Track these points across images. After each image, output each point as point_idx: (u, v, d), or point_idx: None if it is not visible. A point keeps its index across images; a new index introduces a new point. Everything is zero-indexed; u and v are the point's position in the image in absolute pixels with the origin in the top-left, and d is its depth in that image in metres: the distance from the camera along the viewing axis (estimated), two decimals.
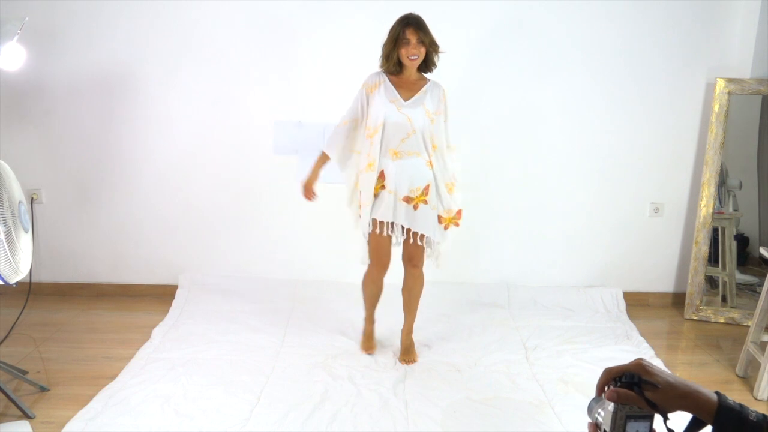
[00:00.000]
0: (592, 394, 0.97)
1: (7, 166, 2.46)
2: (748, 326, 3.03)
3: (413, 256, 2.83)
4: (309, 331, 3.23)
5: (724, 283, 3.68)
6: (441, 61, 2.69)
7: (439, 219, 2.80)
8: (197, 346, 3.02)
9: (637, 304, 3.74)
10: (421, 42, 2.62)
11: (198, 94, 3.52)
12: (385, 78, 2.72)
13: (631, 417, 0.89)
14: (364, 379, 2.76)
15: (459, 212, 2.83)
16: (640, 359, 0.92)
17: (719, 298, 3.68)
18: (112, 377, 2.71)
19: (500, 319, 3.45)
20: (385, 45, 2.68)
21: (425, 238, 2.77)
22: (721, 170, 3.55)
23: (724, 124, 3.48)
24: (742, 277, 3.72)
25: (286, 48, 3.47)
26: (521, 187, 3.65)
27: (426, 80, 2.75)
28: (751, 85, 3.44)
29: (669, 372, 0.91)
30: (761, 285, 2.90)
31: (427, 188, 2.72)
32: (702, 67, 3.54)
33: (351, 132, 2.79)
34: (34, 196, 3.59)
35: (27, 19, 2.65)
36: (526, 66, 3.52)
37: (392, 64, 2.67)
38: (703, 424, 0.93)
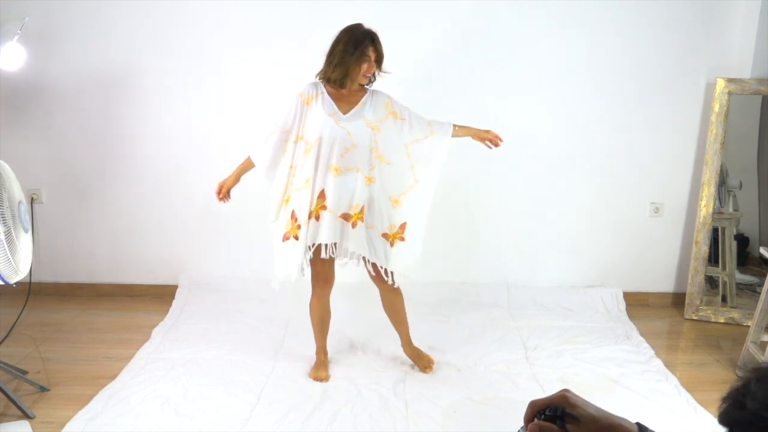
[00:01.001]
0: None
1: (7, 166, 2.46)
2: (748, 326, 3.03)
3: (377, 272, 2.63)
4: (309, 331, 3.21)
5: (724, 283, 3.68)
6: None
7: (386, 236, 2.61)
8: (197, 346, 3.02)
9: (637, 304, 3.74)
10: (378, 60, 2.53)
11: (198, 94, 3.52)
12: (323, 89, 2.57)
13: None
14: (364, 379, 2.76)
15: (402, 226, 2.62)
16: (565, 390, 0.92)
17: (719, 298, 3.68)
18: (112, 377, 2.71)
19: (500, 319, 3.45)
20: (343, 60, 2.49)
21: (363, 258, 2.59)
22: (721, 170, 3.55)
23: (724, 124, 3.48)
24: (742, 277, 3.72)
25: (286, 48, 3.47)
26: (521, 187, 3.65)
27: (365, 90, 2.61)
28: (751, 85, 3.44)
29: (593, 404, 0.91)
30: (761, 285, 2.90)
31: (363, 207, 2.56)
32: (702, 67, 3.54)
33: (281, 143, 2.60)
34: (34, 196, 3.59)
35: (27, 19, 2.66)
36: (526, 66, 3.51)
37: (346, 78, 2.51)
38: None
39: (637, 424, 0.89)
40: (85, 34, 3.43)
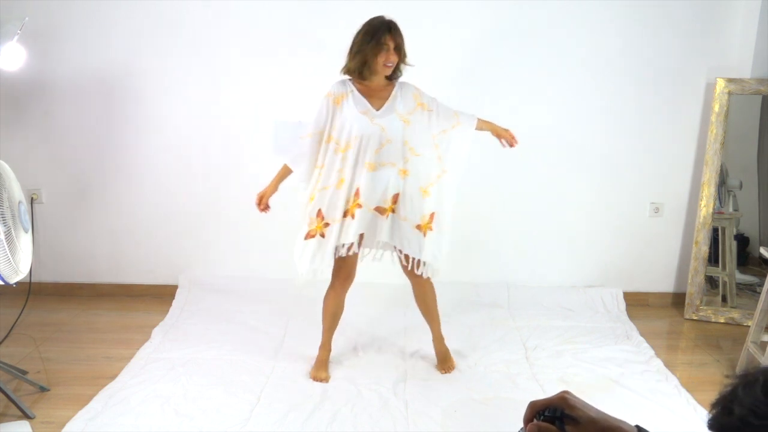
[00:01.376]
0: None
1: (7, 166, 2.46)
2: (748, 326, 3.03)
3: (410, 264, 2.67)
4: (309, 331, 3.22)
5: (724, 283, 3.68)
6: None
7: (420, 227, 2.61)
8: (197, 346, 3.02)
9: (637, 304, 3.74)
10: (397, 49, 2.51)
11: (198, 94, 3.52)
12: (352, 87, 2.56)
13: None
14: (364, 379, 2.76)
15: (432, 216, 2.62)
16: (565, 392, 0.92)
17: (719, 298, 3.68)
18: (112, 377, 2.71)
19: (500, 319, 3.45)
20: (361, 50, 2.49)
21: (419, 262, 2.60)
22: (721, 170, 3.55)
23: (724, 124, 3.48)
24: (742, 277, 3.72)
25: (287, 48, 3.47)
26: (521, 187, 3.65)
27: (393, 84, 2.61)
28: (751, 85, 3.44)
29: (592, 406, 0.90)
30: (761, 285, 2.90)
31: (396, 197, 2.58)
32: (702, 67, 3.54)
33: (316, 145, 2.61)
34: (34, 196, 3.59)
35: (27, 19, 2.66)
36: (525, 66, 3.51)
37: (367, 70, 2.51)
38: None
39: (636, 426, 0.89)
40: (85, 34, 3.43)
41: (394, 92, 2.59)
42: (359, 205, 2.55)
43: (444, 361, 2.88)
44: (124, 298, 3.72)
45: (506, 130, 2.70)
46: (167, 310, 3.45)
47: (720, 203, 3.60)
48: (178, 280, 3.68)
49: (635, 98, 3.56)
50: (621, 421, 0.89)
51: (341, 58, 3.46)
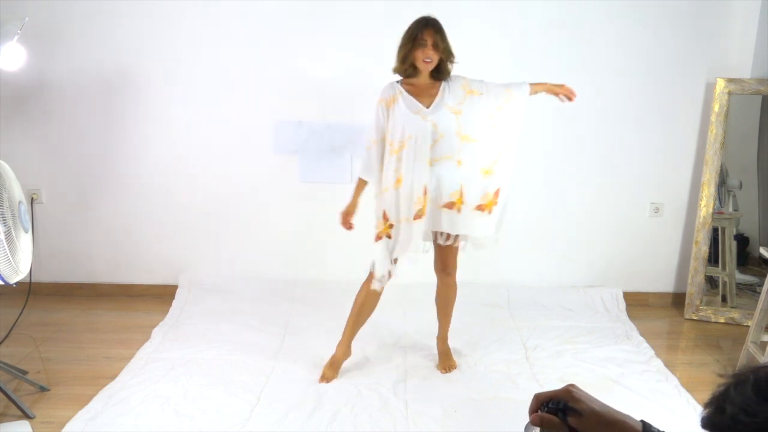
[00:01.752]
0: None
1: (7, 166, 2.46)
2: (748, 326, 3.03)
3: (447, 265, 2.79)
4: (309, 331, 3.23)
5: (724, 283, 3.68)
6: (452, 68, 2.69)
7: (481, 207, 2.66)
8: (197, 346, 3.02)
9: (637, 304, 3.74)
10: (436, 46, 2.53)
11: (198, 94, 3.52)
12: (401, 89, 2.61)
13: None
14: (364, 379, 2.76)
15: (497, 192, 2.67)
16: (571, 385, 0.93)
17: (719, 298, 3.68)
18: (112, 377, 2.71)
19: (500, 319, 3.45)
20: (402, 46, 2.56)
21: (459, 238, 2.69)
22: (721, 170, 3.55)
23: (724, 124, 3.48)
24: (742, 277, 3.72)
25: (287, 48, 3.47)
26: (521, 187, 3.64)
27: (440, 81, 2.64)
28: (751, 85, 3.44)
29: (597, 400, 0.90)
30: (761, 285, 2.90)
31: (462, 189, 2.63)
32: (702, 67, 3.54)
33: (381, 153, 2.67)
34: (34, 196, 3.59)
35: (27, 19, 2.65)
36: (525, 66, 3.51)
37: (409, 66, 2.56)
38: None
39: (642, 422, 0.89)
40: (85, 34, 3.43)
41: (442, 87, 2.62)
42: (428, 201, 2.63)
43: (445, 359, 2.90)
44: (124, 298, 3.72)
45: (561, 86, 2.70)
46: (167, 310, 3.45)
47: (720, 203, 3.60)
48: (178, 280, 3.68)
49: (635, 98, 3.56)
50: (626, 415, 0.89)
51: (342, 58, 3.48)
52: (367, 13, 3.43)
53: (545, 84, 2.70)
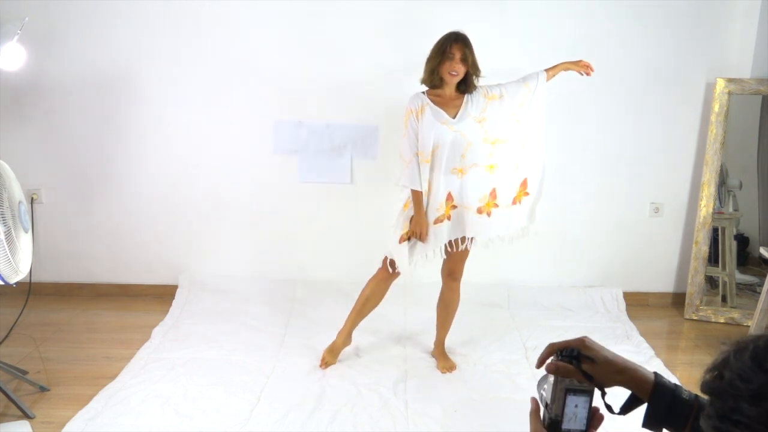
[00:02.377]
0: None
1: (7, 166, 2.46)
2: (748, 326, 3.03)
3: (454, 270, 2.83)
4: (309, 331, 3.23)
5: (724, 283, 3.68)
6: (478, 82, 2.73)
7: (514, 201, 2.78)
8: (197, 346, 3.02)
9: (637, 304, 3.74)
10: (464, 60, 2.59)
11: (198, 94, 3.51)
12: (427, 100, 2.66)
13: (570, 390, 0.91)
14: (364, 379, 2.76)
15: (524, 182, 2.78)
16: (584, 336, 0.98)
17: (719, 298, 3.68)
18: (112, 377, 2.71)
19: (500, 319, 3.45)
20: (430, 59, 2.64)
21: (473, 241, 2.74)
22: (721, 170, 3.55)
23: (724, 124, 3.48)
24: (742, 277, 3.72)
25: (286, 47, 3.47)
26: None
27: (463, 93, 2.71)
28: (751, 85, 3.44)
29: (610, 350, 0.96)
30: (761, 285, 2.90)
31: (493, 193, 2.71)
32: (702, 67, 3.54)
33: (419, 164, 2.71)
34: (34, 196, 3.59)
35: (27, 19, 2.65)
36: (525, 66, 3.51)
37: (436, 78, 2.62)
38: (640, 402, 0.96)
39: (654, 373, 0.93)
40: (86, 34, 3.42)
41: (465, 99, 2.69)
42: (455, 207, 2.70)
43: (443, 362, 2.91)
44: (124, 298, 3.72)
45: (578, 62, 2.79)
46: (167, 310, 3.45)
47: (720, 203, 3.60)
48: (178, 280, 3.68)
49: (635, 98, 3.56)
50: (637, 364, 0.94)
51: (342, 57, 3.48)
52: (367, 14, 3.42)
53: (561, 64, 2.80)
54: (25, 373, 2.70)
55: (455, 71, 2.60)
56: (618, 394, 0.97)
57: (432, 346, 3.03)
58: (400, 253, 2.73)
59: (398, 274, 2.80)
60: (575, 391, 0.91)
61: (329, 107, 3.52)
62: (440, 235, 2.71)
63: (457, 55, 2.58)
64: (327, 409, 2.50)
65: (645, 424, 0.93)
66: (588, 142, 3.61)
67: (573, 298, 3.66)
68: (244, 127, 3.56)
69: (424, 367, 2.90)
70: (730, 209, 3.64)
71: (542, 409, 0.96)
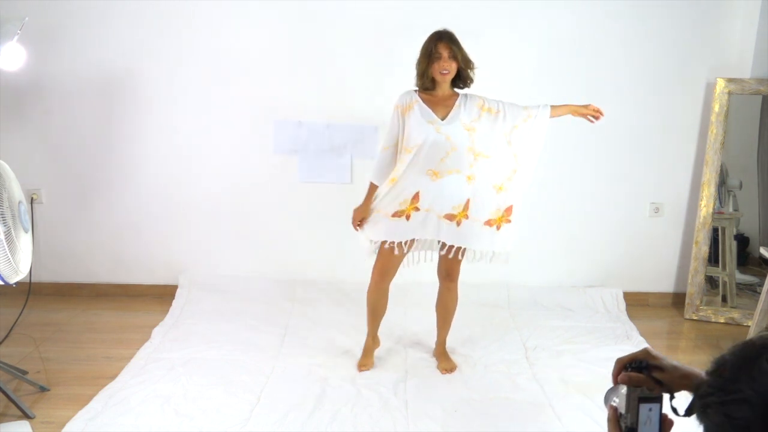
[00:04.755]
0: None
1: (7, 166, 2.46)
2: (748, 326, 3.03)
3: (451, 271, 2.80)
4: (309, 331, 3.23)
5: (724, 283, 3.67)
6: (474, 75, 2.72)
7: (490, 222, 2.70)
8: (197, 346, 3.02)
9: (637, 304, 3.73)
10: (453, 57, 2.56)
11: (198, 94, 3.51)
12: (417, 98, 2.64)
13: (642, 399, 0.99)
14: (364, 379, 2.76)
15: (509, 209, 2.72)
16: (647, 348, 1.06)
17: (719, 298, 3.68)
18: (112, 377, 2.71)
19: (500, 319, 3.45)
20: (419, 62, 2.61)
21: (465, 252, 2.71)
22: (721, 170, 3.55)
23: (724, 124, 3.48)
24: (742, 277, 3.72)
25: (286, 47, 3.47)
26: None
27: (457, 95, 2.68)
28: (751, 85, 3.44)
29: (669, 358, 1.04)
30: (761, 285, 2.90)
31: (467, 204, 2.65)
32: (702, 67, 3.54)
33: (392, 158, 2.70)
34: (34, 196, 3.59)
35: (27, 19, 2.65)
36: (525, 66, 3.52)
37: (427, 80, 2.60)
38: None
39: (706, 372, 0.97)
40: (85, 34, 3.43)
41: (458, 102, 2.65)
42: (417, 209, 2.63)
43: (444, 362, 2.90)
44: (124, 298, 3.72)
45: (587, 106, 2.73)
46: (167, 310, 3.44)
47: (720, 203, 3.60)
48: (178, 280, 3.68)
49: (635, 98, 3.56)
50: (695, 369, 1.02)
51: (342, 57, 3.48)
52: (367, 14, 3.42)
53: (569, 105, 2.74)
54: (25, 373, 2.70)
55: (446, 70, 2.57)
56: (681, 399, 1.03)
57: (433, 346, 3.03)
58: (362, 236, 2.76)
59: (391, 275, 2.79)
60: (647, 399, 1.00)
61: (329, 107, 3.52)
62: (396, 230, 2.65)
63: (445, 54, 2.56)
64: (327, 409, 2.50)
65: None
66: (588, 142, 3.61)
67: (573, 298, 3.66)
68: (244, 127, 3.56)
69: (424, 367, 2.90)
70: (730, 209, 3.64)
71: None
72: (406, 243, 2.68)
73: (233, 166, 3.61)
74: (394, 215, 2.65)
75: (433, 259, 2.87)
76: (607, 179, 3.66)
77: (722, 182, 3.58)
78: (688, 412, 0.99)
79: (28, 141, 3.55)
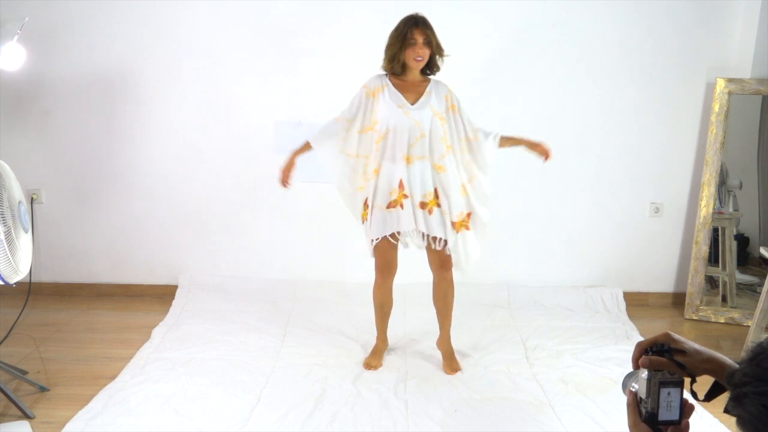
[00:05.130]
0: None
1: (7, 166, 2.46)
2: (748, 326, 3.04)
3: (445, 261, 2.73)
4: (309, 331, 3.23)
5: (724, 283, 3.67)
6: (443, 63, 2.69)
7: (455, 226, 2.69)
8: (197, 346, 3.02)
9: (637, 304, 3.74)
10: (428, 43, 2.55)
11: (198, 94, 3.52)
12: (388, 82, 2.63)
13: (663, 383, 0.99)
14: (364, 379, 2.76)
15: (469, 215, 2.74)
16: (667, 332, 1.03)
17: (719, 298, 3.68)
18: (112, 377, 2.71)
19: (500, 319, 3.45)
20: (390, 46, 2.58)
21: (445, 242, 2.66)
22: (721, 170, 3.55)
23: (724, 124, 3.48)
24: (742, 277, 3.71)
25: (287, 47, 3.47)
26: (521, 187, 3.65)
27: (428, 80, 2.67)
28: (751, 85, 3.44)
29: (692, 342, 1.01)
30: (761, 285, 2.90)
31: (436, 192, 2.64)
32: (702, 67, 3.54)
33: (338, 129, 2.69)
34: (34, 196, 3.59)
35: (27, 19, 2.65)
36: (525, 66, 3.51)
37: (397, 65, 2.58)
38: (723, 389, 1.02)
39: (738, 362, 0.95)
40: (85, 34, 3.43)
41: (428, 88, 2.64)
42: (405, 196, 2.63)
43: (449, 360, 2.88)
44: (124, 298, 3.72)
45: (538, 144, 2.70)
46: (167, 310, 3.45)
47: (720, 203, 3.60)
48: (178, 280, 3.68)
49: (635, 98, 3.56)
50: (722, 355, 1.01)
51: (342, 57, 3.48)
52: (367, 14, 3.42)
53: (522, 139, 2.71)
54: (25, 373, 2.70)
55: (420, 57, 2.55)
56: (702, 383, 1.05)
57: (433, 345, 3.02)
58: (367, 228, 2.71)
59: (392, 270, 2.80)
60: (668, 383, 0.99)
61: (329, 107, 3.51)
62: (392, 221, 2.63)
63: (420, 40, 2.54)
64: (327, 409, 2.50)
65: (727, 410, 0.96)
66: (588, 141, 3.61)
67: (573, 298, 3.66)
68: (244, 128, 3.56)
69: (424, 367, 2.90)
70: (730, 209, 3.64)
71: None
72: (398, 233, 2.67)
73: (233, 166, 3.62)
74: (388, 207, 2.64)
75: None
76: (607, 179, 3.66)
77: (722, 182, 3.58)
78: (709, 397, 1.02)
79: (28, 141, 3.55)
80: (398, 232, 2.66)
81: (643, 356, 1.00)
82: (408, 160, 2.61)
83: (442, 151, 2.63)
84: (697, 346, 1.01)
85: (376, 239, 2.66)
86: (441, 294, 2.83)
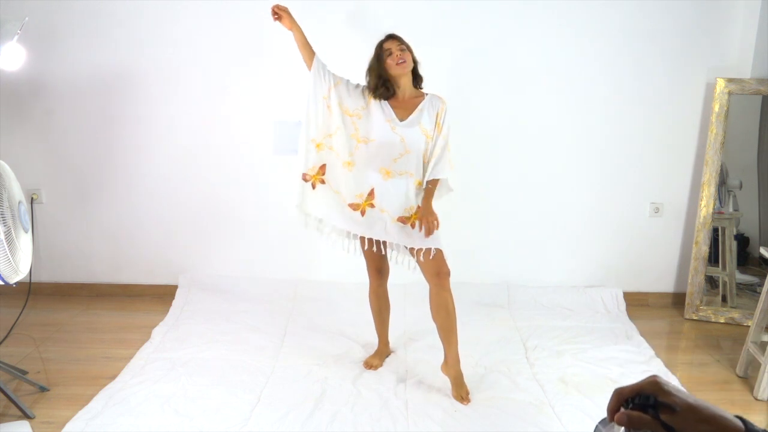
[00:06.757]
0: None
1: (7, 166, 2.46)
2: (748, 326, 3.03)
3: (440, 268, 2.59)
4: (309, 331, 3.23)
5: (724, 283, 3.67)
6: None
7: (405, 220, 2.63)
8: (197, 346, 3.02)
9: (637, 304, 3.74)
10: (405, 49, 2.55)
11: (198, 94, 3.52)
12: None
13: None
14: (364, 379, 2.76)
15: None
16: (655, 377, 0.81)
17: (719, 298, 3.68)
18: (112, 377, 2.71)
19: (500, 319, 3.45)
20: (371, 69, 2.59)
21: (436, 251, 2.56)
22: (721, 170, 3.55)
23: (724, 124, 3.48)
24: (742, 277, 3.71)
25: (286, 48, 3.46)
26: (521, 187, 3.65)
27: (423, 96, 2.63)
28: (751, 85, 3.44)
29: (687, 392, 0.80)
30: (761, 285, 2.90)
31: (418, 208, 2.60)
32: (702, 67, 3.54)
33: (328, 78, 2.63)
34: (34, 196, 3.59)
35: (27, 19, 2.66)
36: (525, 66, 3.51)
37: (387, 86, 2.55)
38: None
39: (741, 419, 0.77)
40: (85, 34, 3.43)
41: (421, 105, 2.61)
42: (372, 206, 2.61)
43: (458, 388, 2.63)
44: (124, 298, 3.72)
45: (427, 217, 2.53)
46: (167, 310, 3.45)
47: (720, 203, 3.60)
48: (178, 280, 3.68)
49: (635, 98, 3.55)
50: (723, 411, 0.77)
51: (341, 57, 3.47)
52: (367, 13, 3.42)
53: (428, 201, 2.59)
54: (25, 373, 2.70)
55: (402, 59, 2.53)
56: None
57: (433, 345, 3.01)
58: (303, 192, 2.67)
59: (382, 272, 2.79)
60: None
61: None
62: (350, 219, 2.62)
63: (394, 47, 2.54)
64: (327, 409, 2.50)
65: None
66: (588, 142, 3.61)
67: (573, 298, 3.65)
68: (244, 128, 3.56)
69: (424, 367, 2.90)
70: (730, 209, 3.64)
71: None
72: (383, 243, 2.64)
73: (233, 166, 3.61)
74: (350, 205, 2.64)
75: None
76: (607, 179, 3.66)
77: (722, 182, 3.58)
78: None
79: (28, 141, 3.55)
80: (376, 241, 2.62)
81: (622, 409, 0.79)
82: (388, 174, 2.58)
83: (424, 168, 2.63)
84: (692, 399, 0.76)
85: (318, 219, 2.70)
86: (441, 305, 2.61)
